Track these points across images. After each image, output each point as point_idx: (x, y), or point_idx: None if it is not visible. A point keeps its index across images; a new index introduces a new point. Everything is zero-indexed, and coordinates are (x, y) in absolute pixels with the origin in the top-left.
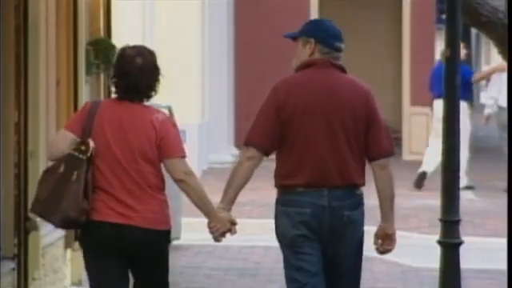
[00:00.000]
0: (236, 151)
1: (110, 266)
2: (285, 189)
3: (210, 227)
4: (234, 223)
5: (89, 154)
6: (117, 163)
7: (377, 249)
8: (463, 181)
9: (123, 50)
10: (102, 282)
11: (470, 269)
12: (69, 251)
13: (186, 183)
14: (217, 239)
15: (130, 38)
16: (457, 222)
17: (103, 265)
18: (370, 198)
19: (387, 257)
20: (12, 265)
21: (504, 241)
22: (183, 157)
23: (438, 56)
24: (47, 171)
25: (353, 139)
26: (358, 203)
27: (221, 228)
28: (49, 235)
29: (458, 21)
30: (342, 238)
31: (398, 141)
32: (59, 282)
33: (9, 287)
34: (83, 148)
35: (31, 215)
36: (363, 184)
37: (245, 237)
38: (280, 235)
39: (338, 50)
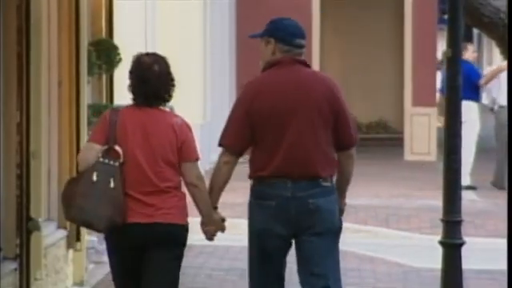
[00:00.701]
0: None
1: (132, 260)
2: (256, 179)
3: (204, 228)
4: (224, 220)
5: (121, 160)
6: (138, 167)
7: None
8: (465, 181)
9: (139, 57)
10: (123, 272)
11: (472, 269)
12: (71, 251)
13: (197, 188)
14: (210, 239)
15: (132, 38)
16: (458, 223)
17: (126, 257)
18: (370, 199)
19: (388, 257)
20: (14, 265)
21: (506, 241)
22: (198, 159)
23: (439, 56)
24: (73, 180)
25: (320, 132)
26: (325, 192)
27: (214, 229)
28: (51, 235)
29: (460, 21)
30: (311, 226)
31: (400, 141)
32: (61, 282)
33: (10, 287)
34: (114, 155)
35: (33, 215)
36: (329, 176)
37: (246, 237)
38: (250, 226)
39: (299, 46)
